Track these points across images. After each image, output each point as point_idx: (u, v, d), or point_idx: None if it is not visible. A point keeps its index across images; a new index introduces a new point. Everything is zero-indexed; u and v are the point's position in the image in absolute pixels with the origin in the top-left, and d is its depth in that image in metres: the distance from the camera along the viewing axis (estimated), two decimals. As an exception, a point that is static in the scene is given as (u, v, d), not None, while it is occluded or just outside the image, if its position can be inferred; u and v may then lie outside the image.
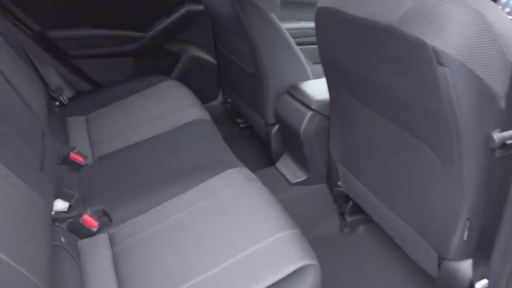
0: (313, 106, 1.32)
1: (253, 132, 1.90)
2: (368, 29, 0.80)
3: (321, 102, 1.31)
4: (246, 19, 1.33)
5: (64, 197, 1.01)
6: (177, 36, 1.93)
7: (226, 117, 2.15)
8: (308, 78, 1.48)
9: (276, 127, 1.54)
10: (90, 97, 1.75)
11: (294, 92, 1.43)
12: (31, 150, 0.96)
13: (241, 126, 2.07)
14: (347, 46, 0.91)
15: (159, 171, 1.19)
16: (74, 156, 1.24)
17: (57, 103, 1.64)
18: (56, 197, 1.00)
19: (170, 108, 1.54)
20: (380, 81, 0.84)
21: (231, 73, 1.78)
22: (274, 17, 1.35)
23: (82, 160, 1.26)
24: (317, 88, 1.39)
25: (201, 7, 1.85)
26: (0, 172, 0.70)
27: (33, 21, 1.65)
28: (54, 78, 1.67)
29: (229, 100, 2.05)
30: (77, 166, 1.25)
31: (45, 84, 1.60)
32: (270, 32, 1.36)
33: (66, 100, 1.66)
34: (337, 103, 1.14)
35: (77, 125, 1.56)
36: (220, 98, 2.16)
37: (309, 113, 1.32)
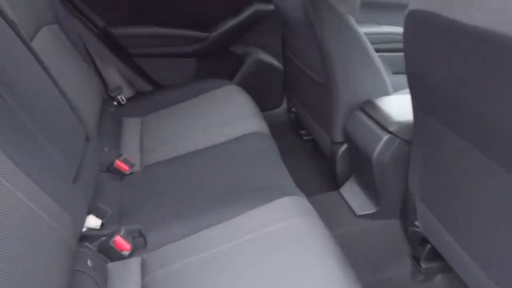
0: (391, 128, 1.10)
1: (317, 146, 1.72)
2: (481, 40, 0.59)
3: (401, 124, 1.10)
4: (318, 21, 1.15)
5: (98, 213, 0.91)
6: (243, 38, 1.80)
7: (288, 127, 1.99)
8: (386, 93, 1.27)
9: (343, 147, 1.35)
10: (149, 98, 1.68)
11: (369, 108, 1.22)
12: (66, 159, 0.87)
13: (304, 138, 1.90)
14: (447, 61, 0.70)
15: (206, 190, 1.06)
16: (119, 164, 1.15)
17: (115, 103, 1.58)
18: (90, 212, 0.91)
19: (227, 116, 1.41)
20: (494, 111, 0.62)
21: (298, 81, 1.61)
22: (351, 20, 1.16)
23: (127, 169, 1.17)
24: (397, 106, 1.17)
25: (270, 7, 1.70)
26: (21, 185, 0.60)
27: (98, 17, 1.61)
28: (114, 77, 1.62)
29: (293, 110, 1.88)
30: (121, 175, 1.16)
31: (104, 83, 1.55)
32: (346, 36, 1.17)
33: (124, 100, 1.60)
34: (423, 128, 0.92)
35: (131, 128, 1.49)
36: (284, 106, 1.99)
37: (386, 136, 1.11)
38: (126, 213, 1.01)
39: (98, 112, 1.36)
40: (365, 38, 1.19)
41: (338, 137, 1.34)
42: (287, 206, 0.93)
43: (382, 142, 1.11)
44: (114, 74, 1.63)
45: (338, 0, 1.11)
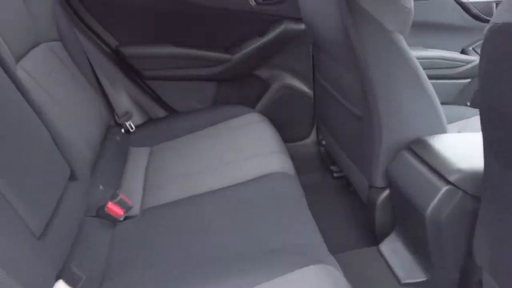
0: (452, 178, 0.86)
1: (351, 185, 1.47)
2: None
3: (465, 173, 0.85)
4: (360, 41, 0.94)
5: (70, 279, 0.71)
6: (269, 61, 1.61)
7: (317, 161, 1.76)
8: (442, 130, 1.03)
9: (385, 193, 1.10)
10: (161, 125, 1.50)
11: (420, 149, 0.99)
12: (33, 209, 0.68)
13: (335, 175, 1.66)
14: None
15: (213, 249, 0.84)
16: (111, 207, 0.96)
17: (123, 130, 1.41)
18: (59, 277, 0.71)
19: (247, 150, 1.20)
20: None
21: (331, 110, 1.39)
22: (402, 40, 0.94)
23: (121, 214, 0.97)
24: (458, 148, 0.93)
25: (301, 27, 1.50)
26: None
27: (111, 35, 1.46)
28: (123, 101, 1.46)
29: (323, 142, 1.66)
30: (113, 221, 0.97)
31: (111, 108, 1.38)
32: (395, 60, 0.95)
33: (133, 127, 1.43)
34: (499, 183, 0.68)
35: (137, 159, 1.31)
36: (312, 137, 1.77)
37: (445, 188, 0.86)
38: (111, 275, 0.80)
39: (99, 141, 1.18)
40: (417, 63, 0.96)
41: (379, 181, 1.10)
42: (313, 279, 0.71)
43: (439, 195, 0.87)
44: (124, 98, 1.47)
45: (387, 15, 0.90)
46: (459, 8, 1.63)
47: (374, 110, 1.02)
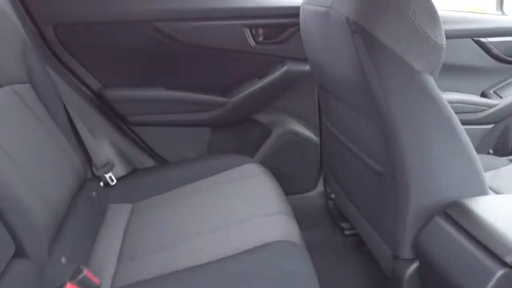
0: (509, 258, 0.66)
1: (365, 245, 1.27)
2: None
3: (527, 253, 0.66)
4: (381, 84, 0.77)
5: None
6: (270, 104, 1.45)
7: (326, 216, 1.56)
8: (483, 191, 0.84)
9: (414, 266, 0.89)
10: (148, 176, 1.31)
11: (459, 215, 0.79)
12: None
13: (346, 233, 1.46)
14: None
15: None
16: (70, 291, 0.75)
17: (102, 183, 1.22)
18: None
19: (243, 211, 1.01)
20: None
21: (341, 161, 1.21)
22: (432, 82, 0.77)
23: (81, 299, 0.76)
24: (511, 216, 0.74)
25: (305, 68, 1.36)
26: None
27: (94, 77, 1.31)
28: (104, 150, 1.28)
29: (332, 196, 1.47)
30: (71, 309, 0.76)
31: (89, 158, 1.20)
32: (424, 106, 0.77)
33: (114, 179, 1.24)
34: None
35: (116, 219, 1.11)
36: (319, 188, 1.58)
37: (501, 272, 0.66)
38: None
39: (67, 200, 0.99)
40: (451, 110, 0.79)
41: (406, 252, 0.89)
42: None
43: (494, 280, 0.66)
44: (105, 147, 1.29)
45: (414, 53, 0.73)
46: (478, 48, 1.49)
47: (399, 165, 0.83)
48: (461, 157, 0.82)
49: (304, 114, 1.47)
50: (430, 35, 0.73)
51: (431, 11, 0.73)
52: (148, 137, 1.40)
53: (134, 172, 1.35)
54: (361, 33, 0.77)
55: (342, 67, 0.91)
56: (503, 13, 1.63)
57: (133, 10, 1.25)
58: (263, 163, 1.45)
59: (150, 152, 1.41)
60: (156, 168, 1.37)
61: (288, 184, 1.53)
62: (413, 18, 0.72)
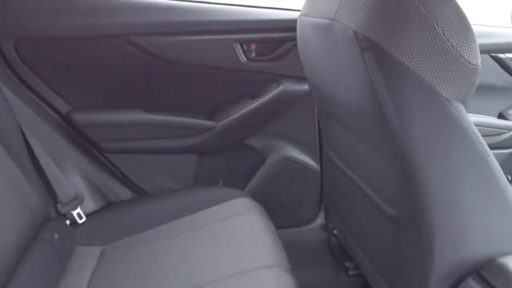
0: None
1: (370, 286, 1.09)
2: None
3: None
4: (399, 114, 0.61)
5: None
6: (264, 128, 1.29)
7: (327, 253, 1.39)
8: (526, 247, 0.68)
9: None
10: (122, 212, 1.15)
11: (496, 278, 0.63)
12: None
13: (350, 273, 1.29)
14: None
15: None
16: None
17: (68, 222, 1.06)
18: None
19: (230, 264, 0.84)
20: None
21: (345, 196, 1.05)
22: (463, 112, 0.61)
23: None
24: None
25: (303, 87, 1.21)
26: None
27: (62, 99, 1.15)
28: (73, 182, 1.11)
29: (335, 232, 1.30)
30: None
31: (52, 193, 1.04)
32: (453, 142, 0.62)
33: (83, 216, 1.08)
34: None
35: (81, 266, 0.94)
36: (320, 220, 1.41)
37: None
38: None
39: (18, 248, 0.82)
40: (486, 146, 0.63)
41: (429, 317, 0.72)
42: None
43: None
44: (73, 178, 1.12)
45: (441, 75, 0.58)
46: (496, 65, 1.34)
47: (420, 212, 0.67)
48: (499, 205, 0.65)
49: (302, 138, 1.31)
50: (462, 53, 0.58)
51: (463, 23, 0.58)
52: (125, 166, 1.23)
53: (107, 206, 1.18)
54: (373, 51, 0.61)
55: (349, 91, 0.75)
56: (519, 26, 1.49)
57: (105, 23, 1.10)
58: (257, 193, 1.29)
59: (127, 182, 1.24)
60: (133, 201, 1.20)
61: (285, 216, 1.38)
62: (441, 31, 0.57)
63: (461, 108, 0.61)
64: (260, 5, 1.22)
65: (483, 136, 1.44)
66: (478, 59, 0.59)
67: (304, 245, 1.39)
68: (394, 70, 0.60)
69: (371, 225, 0.89)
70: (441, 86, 0.59)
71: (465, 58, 0.58)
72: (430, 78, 0.59)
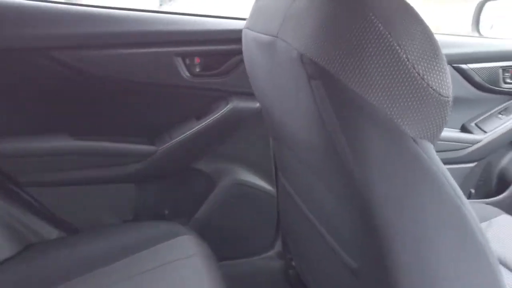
0: None
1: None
2: None
3: None
4: (355, 155, 0.50)
5: None
6: (212, 150, 1.16)
7: (286, 284, 1.27)
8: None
9: None
10: (44, 256, 0.97)
11: None
12: None
13: (313, 306, 1.17)
14: None
15: None
16: None
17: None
18: None
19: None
20: None
21: (300, 232, 0.93)
22: (431, 151, 0.50)
23: None
24: None
25: (255, 105, 1.08)
26: None
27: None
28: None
29: (293, 263, 1.18)
30: None
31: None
32: (422, 188, 0.51)
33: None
34: None
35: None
36: (277, 248, 1.29)
37: None
38: None
39: None
40: (460, 192, 0.53)
41: None
42: None
43: None
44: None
45: (406, 111, 0.47)
46: (458, 75, 1.27)
47: (384, 270, 0.56)
48: (470, 252, 0.55)
49: (256, 160, 1.19)
50: (430, 82, 0.47)
51: (431, 45, 0.47)
52: (49, 201, 1.06)
53: (27, 248, 1.00)
54: (322, 78, 0.49)
55: (296, 116, 0.63)
56: (480, 35, 1.44)
57: (21, 34, 0.93)
58: (207, 221, 1.16)
59: (52, 219, 1.07)
60: (59, 242, 1.03)
61: (240, 244, 1.25)
62: (404, 55, 0.46)
63: (430, 148, 0.50)
64: (204, 14, 1.09)
65: (446, 151, 1.36)
66: (449, 89, 0.49)
67: (262, 276, 1.27)
68: (347, 101, 0.48)
69: (330, 269, 0.77)
70: (405, 123, 0.48)
71: (434, 88, 0.47)
72: (392, 112, 0.47)
